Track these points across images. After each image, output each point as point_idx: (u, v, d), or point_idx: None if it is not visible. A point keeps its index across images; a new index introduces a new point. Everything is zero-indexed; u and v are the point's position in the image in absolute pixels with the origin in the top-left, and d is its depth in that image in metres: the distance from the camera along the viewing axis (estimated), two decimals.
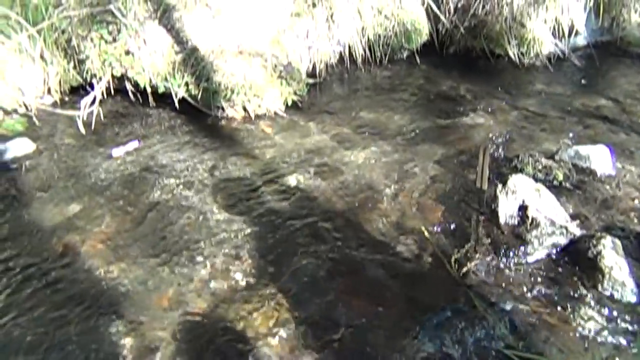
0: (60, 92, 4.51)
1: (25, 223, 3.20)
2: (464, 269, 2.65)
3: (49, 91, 4.46)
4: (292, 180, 3.48)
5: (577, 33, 4.85)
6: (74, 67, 4.37)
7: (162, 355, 2.35)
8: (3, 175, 3.66)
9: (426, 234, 2.92)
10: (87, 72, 4.33)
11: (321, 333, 2.40)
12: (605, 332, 2.31)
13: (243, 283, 2.70)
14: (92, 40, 4.17)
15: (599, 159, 3.35)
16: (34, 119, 4.25)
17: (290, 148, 3.83)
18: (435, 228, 2.97)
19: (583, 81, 4.61)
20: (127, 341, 2.42)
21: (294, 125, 4.08)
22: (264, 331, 2.42)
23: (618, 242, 2.63)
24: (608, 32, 5.06)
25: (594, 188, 3.18)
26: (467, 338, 2.31)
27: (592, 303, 2.44)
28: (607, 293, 2.48)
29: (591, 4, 4.73)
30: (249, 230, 3.06)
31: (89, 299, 2.66)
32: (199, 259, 2.87)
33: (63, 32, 4.25)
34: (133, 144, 3.90)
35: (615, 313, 2.39)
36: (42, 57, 4.28)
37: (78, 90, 4.50)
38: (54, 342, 2.43)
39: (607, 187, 3.19)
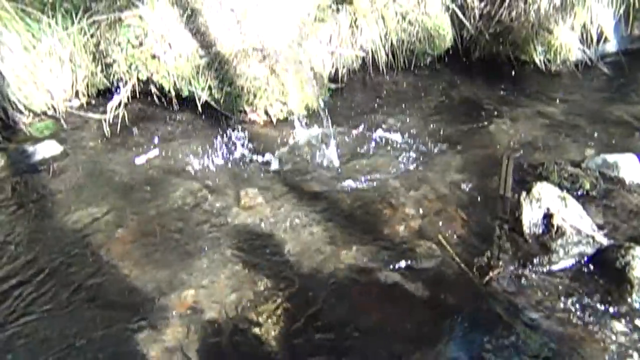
0: (88, 95, 4.60)
1: (51, 224, 3.27)
2: (487, 277, 2.61)
3: (76, 94, 4.55)
4: (313, 185, 3.48)
5: (606, 40, 4.75)
6: (101, 71, 4.45)
7: (181, 359, 2.36)
8: (31, 177, 3.74)
9: (448, 241, 2.88)
10: (113, 76, 4.40)
11: (341, 339, 2.38)
12: (634, 345, 2.24)
13: (263, 287, 2.70)
14: (119, 44, 4.25)
15: (627, 167, 3.27)
16: (62, 121, 4.34)
17: (312, 153, 3.83)
18: (457, 235, 2.93)
19: (611, 89, 4.51)
20: (147, 343, 2.44)
21: (316, 130, 4.08)
22: (284, 336, 2.42)
23: None
24: (638, 40, 4.94)
25: (622, 197, 3.10)
26: (490, 347, 2.26)
27: (620, 315, 2.37)
28: (636, 305, 2.40)
29: (621, 11, 4.63)
30: (270, 235, 3.06)
31: (111, 300, 2.70)
32: (220, 262, 2.89)
33: (92, 36, 4.34)
34: (154, 152, 3.94)
35: None
36: (71, 60, 4.36)
37: (105, 94, 4.58)
38: (75, 342, 2.47)
39: (636, 196, 3.11)
